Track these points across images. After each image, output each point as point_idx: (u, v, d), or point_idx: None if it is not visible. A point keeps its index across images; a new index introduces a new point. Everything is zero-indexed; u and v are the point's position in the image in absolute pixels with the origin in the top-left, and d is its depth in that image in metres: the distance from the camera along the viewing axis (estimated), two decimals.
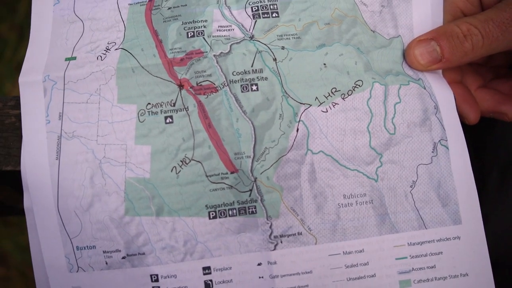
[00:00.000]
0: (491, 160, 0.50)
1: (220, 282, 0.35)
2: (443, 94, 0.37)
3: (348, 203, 0.35)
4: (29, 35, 0.38)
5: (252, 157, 0.35)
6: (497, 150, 0.49)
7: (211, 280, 0.35)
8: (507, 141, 0.48)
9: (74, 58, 0.37)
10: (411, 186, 0.36)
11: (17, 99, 0.37)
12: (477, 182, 0.51)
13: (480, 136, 0.52)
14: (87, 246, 0.35)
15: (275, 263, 0.35)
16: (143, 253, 0.35)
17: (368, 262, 0.35)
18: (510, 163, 0.48)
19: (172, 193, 0.35)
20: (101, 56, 0.37)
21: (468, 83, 0.41)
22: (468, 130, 0.55)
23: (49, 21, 0.39)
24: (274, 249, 0.35)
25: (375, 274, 0.35)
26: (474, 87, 0.41)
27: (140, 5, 0.38)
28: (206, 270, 0.35)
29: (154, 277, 0.35)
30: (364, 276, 0.35)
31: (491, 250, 0.47)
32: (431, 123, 0.36)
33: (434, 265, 0.35)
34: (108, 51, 0.37)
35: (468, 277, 0.35)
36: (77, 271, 0.35)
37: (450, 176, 0.36)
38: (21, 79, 0.37)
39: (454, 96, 0.38)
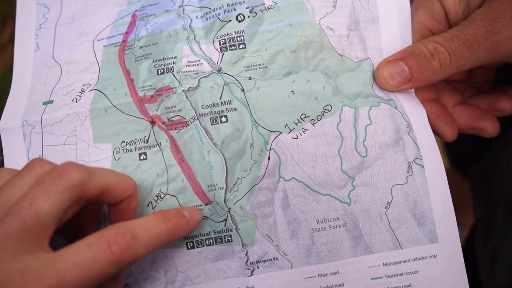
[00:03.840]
0: (498, 192, 0.48)
1: None
2: (416, 113, 0.37)
3: (321, 228, 0.36)
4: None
5: (224, 188, 0.36)
6: (502, 181, 0.48)
7: None
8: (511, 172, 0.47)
9: (51, 102, 0.39)
10: (385, 207, 0.36)
11: None
12: (485, 215, 0.50)
13: (486, 168, 0.51)
14: None
15: (253, 287, 0.36)
16: (127, 285, 0.36)
17: (343, 283, 0.35)
18: None
19: None
20: (76, 98, 0.38)
21: (445, 100, 0.41)
22: (473, 161, 0.53)
23: (29, 68, 0.40)
24: (251, 274, 0.36)
25: None
26: (451, 104, 0.41)
27: (114, 46, 0.39)
28: None
29: None
30: None
31: (506, 283, 0.46)
32: (404, 142, 0.36)
33: (410, 284, 0.35)
34: (83, 93, 0.38)
35: None
36: None
37: (426, 195, 0.36)
38: (2, 125, 0.38)
39: (428, 114, 0.38)
